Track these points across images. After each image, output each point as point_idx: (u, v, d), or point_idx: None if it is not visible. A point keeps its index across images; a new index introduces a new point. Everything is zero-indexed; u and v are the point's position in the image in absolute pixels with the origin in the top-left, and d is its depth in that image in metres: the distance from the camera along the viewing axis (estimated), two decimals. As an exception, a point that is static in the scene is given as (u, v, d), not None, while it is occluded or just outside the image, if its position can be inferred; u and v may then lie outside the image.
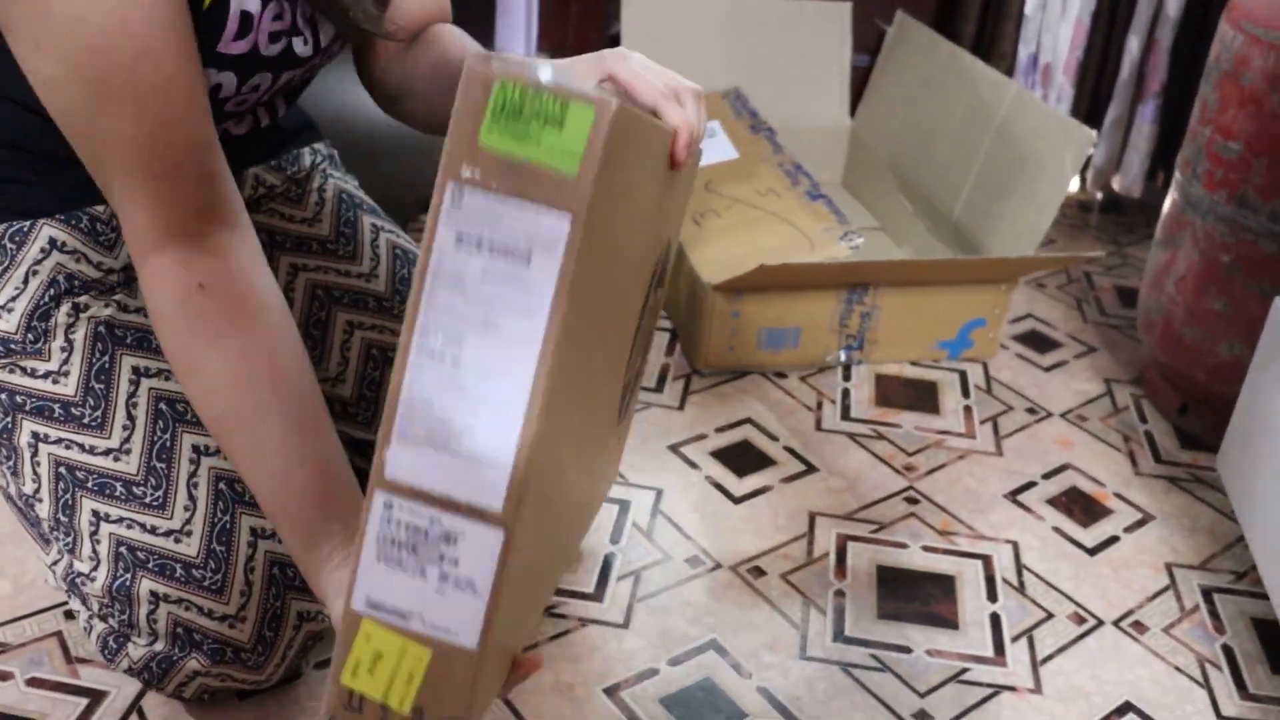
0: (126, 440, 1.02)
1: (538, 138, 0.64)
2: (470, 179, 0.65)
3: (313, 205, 1.24)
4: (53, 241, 1.04)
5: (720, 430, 1.55)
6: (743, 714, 1.14)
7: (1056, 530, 1.42)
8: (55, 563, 1.06)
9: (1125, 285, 2.01)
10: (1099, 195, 2.30)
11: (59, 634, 1.16)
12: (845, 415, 1.60)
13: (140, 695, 1.11)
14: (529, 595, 0.86)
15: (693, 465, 1.48)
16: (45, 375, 1.03)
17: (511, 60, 0.67)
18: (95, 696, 1.10)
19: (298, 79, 1.06)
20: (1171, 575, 1.36)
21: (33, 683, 1.11)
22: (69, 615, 1.18)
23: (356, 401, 1.22)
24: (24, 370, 1.03)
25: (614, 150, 0.65)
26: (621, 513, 1.38)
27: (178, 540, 1.00)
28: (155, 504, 1.00)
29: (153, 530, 1.00)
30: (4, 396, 1.03)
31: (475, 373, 0.68)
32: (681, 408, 1.59)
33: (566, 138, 0.64)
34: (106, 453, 1.02)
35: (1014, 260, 1.66)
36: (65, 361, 1.03)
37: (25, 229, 1.04)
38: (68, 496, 1.01)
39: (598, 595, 1.27)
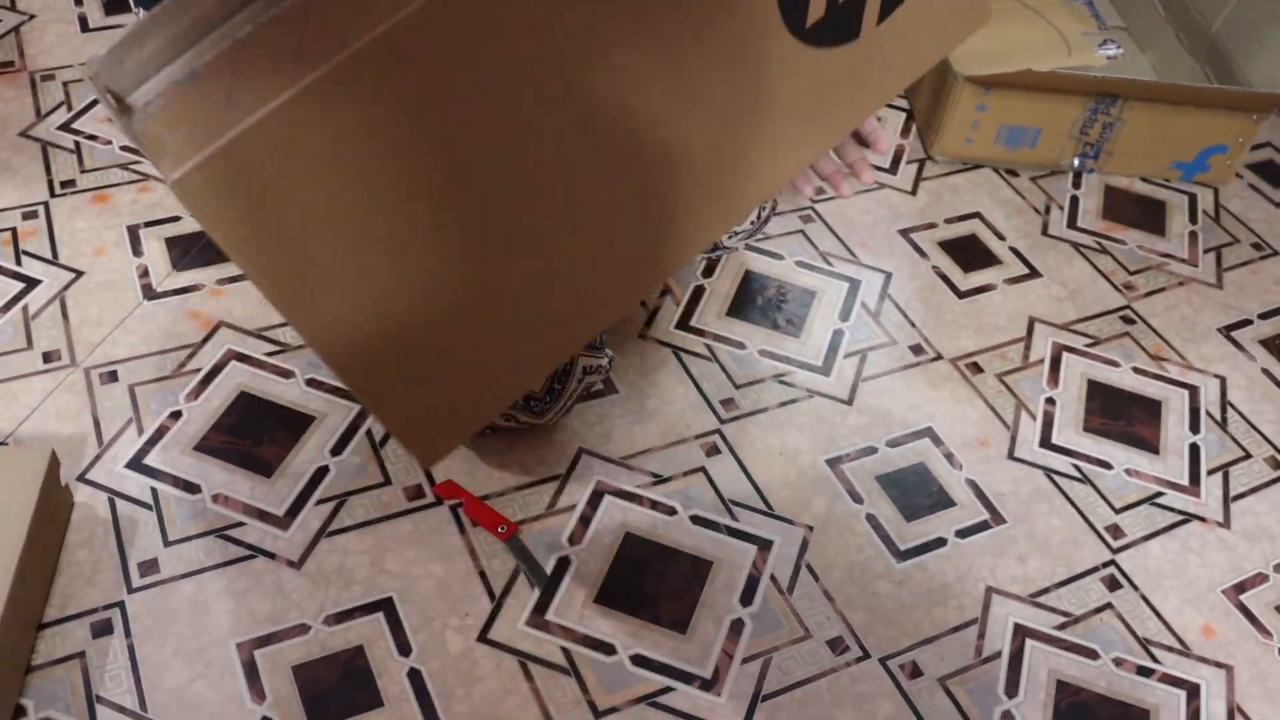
0: None
1: None
2: None
3: None
4: None
5: (950, 222, 1.59)
6: (951, 502, 1.24)
7: (1265, 372, 1.46)
8: None
9: (1372, 125, 1.96)
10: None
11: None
12: (1072, 223, 1.63)
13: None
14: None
15: (921, 253, 1.53)
16: None
17: None
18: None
19: None
20: (1372, 434, 1.40)
21: (311, 384, 1.25)
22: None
23: None
24: None
25: None
26: (851, 291, 1.45)
27: None
28: None
29: None
30: None
31: None
32: (914, 192, 1.63)
33: None
34: None
35: None
36: None
37: None
38: None
39: (825, 369, 1.35)
